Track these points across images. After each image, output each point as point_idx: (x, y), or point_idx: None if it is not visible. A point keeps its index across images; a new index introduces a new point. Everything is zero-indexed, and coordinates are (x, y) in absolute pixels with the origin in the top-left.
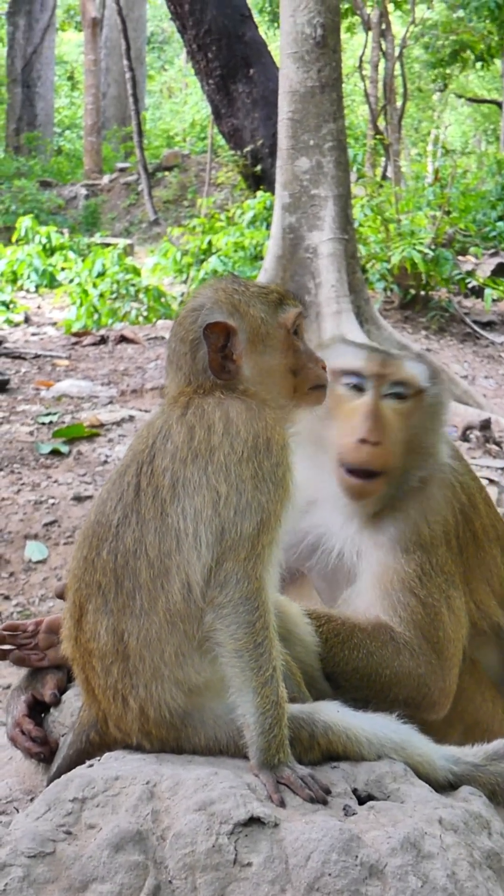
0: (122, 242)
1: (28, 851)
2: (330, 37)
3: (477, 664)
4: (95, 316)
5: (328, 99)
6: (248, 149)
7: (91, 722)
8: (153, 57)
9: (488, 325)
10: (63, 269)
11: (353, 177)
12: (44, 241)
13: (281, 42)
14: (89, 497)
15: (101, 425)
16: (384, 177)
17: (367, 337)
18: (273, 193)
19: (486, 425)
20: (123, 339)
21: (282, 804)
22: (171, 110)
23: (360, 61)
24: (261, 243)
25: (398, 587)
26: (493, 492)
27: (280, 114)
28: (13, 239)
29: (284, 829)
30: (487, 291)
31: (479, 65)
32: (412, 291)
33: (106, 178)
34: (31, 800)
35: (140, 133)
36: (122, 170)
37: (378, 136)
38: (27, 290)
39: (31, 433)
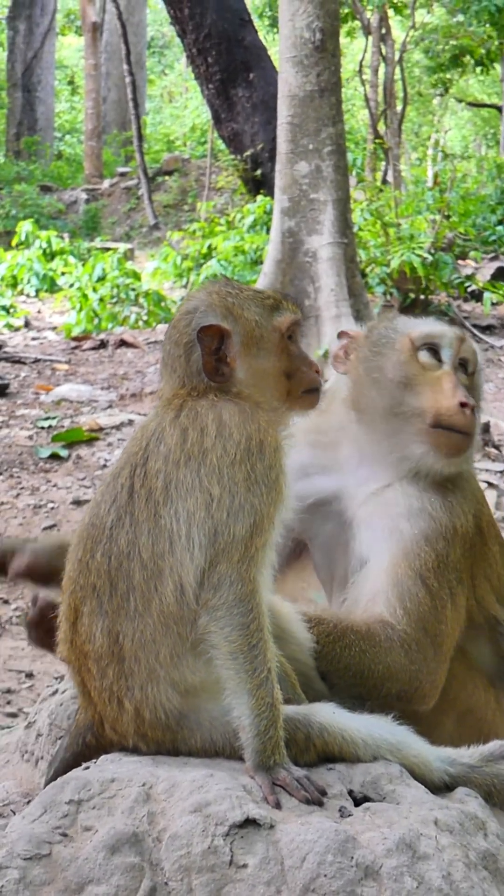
0: (122, 247)
1: (24, 853)
2: (329, 41)
3: (467, 653)
4: (95, 320)
5: (327, 103)
6: (248, 153)
7: (87, 724)
8: (153, 61)
9: (488, 329)
10: (63, 273)
11: (352, 181)
12: (44, 245)
13: (280, 46)
14: (88, 501)
15: (101, 429)
16: (384, 181)
17: None
18: (273, 197)
19: (485, 429)
20: (123, 343)
21: (277, 806)
22: (171, 115)
23: (361, 66)
24: (261, 247)
25: (412, 576)
26: (492, 495)
27: (279, 118)
28: (13, 243)
29: (280, 831)
30: (486, 295)
31: (479, 69)
32: (412, 295)
33: (106, 183)
34: (28, 802)
35: (140, 137)
36: (122, 174)
37: (378, 141)
38: (27, 295)
39: (30, 437)
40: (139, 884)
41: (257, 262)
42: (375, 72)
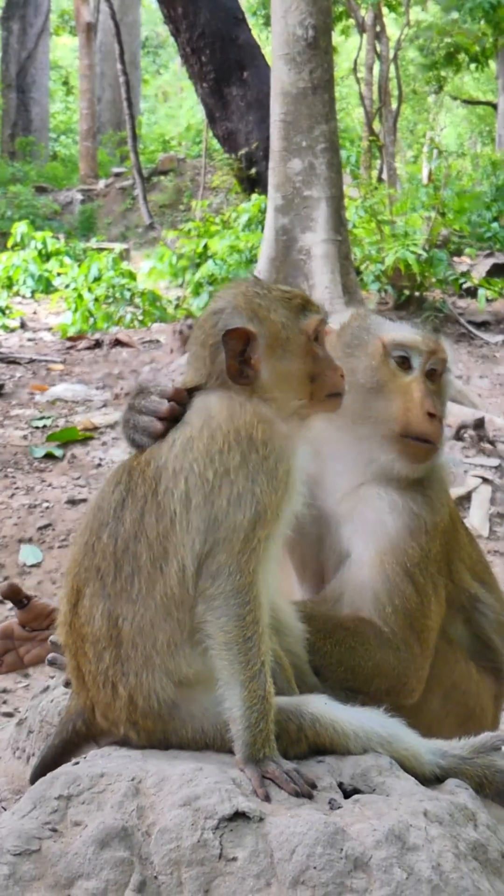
0: (117, 247)
1: (14, 849)
2: (321, 38)
3: (446, 631)
4: (91, 320)
5: (320, 100)
6: (242, 152)
7: (78, 711)
8: (148, 61)
9: (483, 326)
10: (59, 274)
11: (347, 178)
12: (39, 246)
13: (273, 44)
14: (83, 500)
15: (95, 428)
16: (379, 178)
17: None
18: (267, 196)
19: (479, 424)
20: (118, 342)
21: (267, 798)
22: (166, 114)
23: (355, 64)
24: (256, 246)
25: (399, 571)
26: (486, 491)
27: (272, 115)
28: (9, 244)
29: (269, 824)
30: (481, 292)
31: (473, 66)
32: (406, 292)
33: (101, 183)
34: (19, 799)
35: (135, 137)
36: (117, 174)
37: (372, 138)
38: (23, 296)
39: (25, 437)
40: (129, 878)
41: (252, 260)
42: (370, 69)
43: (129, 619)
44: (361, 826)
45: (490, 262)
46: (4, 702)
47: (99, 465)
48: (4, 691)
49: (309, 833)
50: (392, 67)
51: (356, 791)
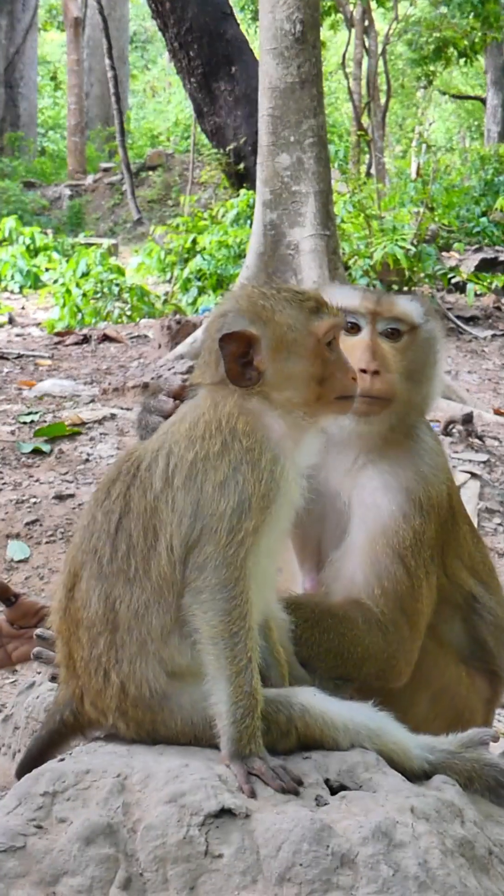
0: (106, 242)
1: None
2: (309, 32)
3: (438, 631)
4: (79, 316)
5: (308, 95)
6: (230, 147)
7: (66, 701)
8: (136, 56)
9: (471, 321)
10: (47, 269)
11: (335, 173)
12: (28, 241)
13: (260, 38)
14: (71, 496)
15: (83, 424)
16: (368, 173)
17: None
18: (255, 191)
19: (468, 419)
20: (106, 337)
21: (252, 795)
22: (154, 109)
23: (344, 58)
24: (244, 241)
25: (390, 554)
26: (475, 486)
27: (260, 110)
28: None
29: (255, 820)
30: (470, 286)
31: (462, 61)
32: (395, 287)
33: (90, 179)
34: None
35: (123, 133)
36: (106, 170)
37: (360, 133)
38: (11, 291)
39: (12, 433)
40: (114, 875)
41: (241, 255)
42: (359, 64)
43: (126, 602)
44: (348, 823)
45: (479, 256)
46: None
47: (87, 460)
48: None
49: (295, 830)
50: (381, 62)
51: (343, 788)
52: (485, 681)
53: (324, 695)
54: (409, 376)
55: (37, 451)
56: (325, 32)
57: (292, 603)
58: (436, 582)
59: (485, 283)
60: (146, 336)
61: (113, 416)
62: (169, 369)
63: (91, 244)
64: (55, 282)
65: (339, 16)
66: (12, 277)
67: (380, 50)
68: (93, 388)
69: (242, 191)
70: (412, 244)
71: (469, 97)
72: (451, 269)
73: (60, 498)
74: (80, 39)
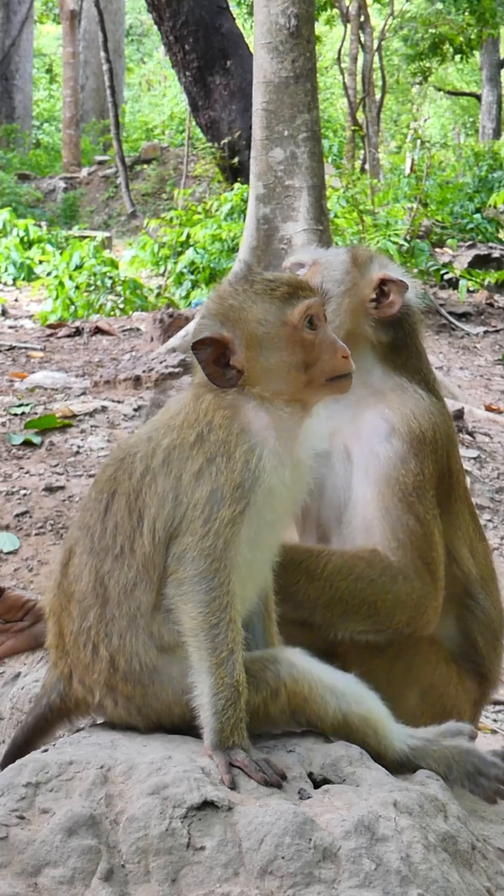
0: (100, 235)
1: None
2: (304, 27)
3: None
4: (72, 308)
5: (302, 89)
6: (225, 141)
7: (53, 685)
8: (132, 49)
9: (464, 317)
10: (41, 261)
11: (329, 168)
12: (21, 234)
13: (255, 32)
14: (61, 488)
15: (74, 416)
16: (362, 169)
17: None
18: (249, 185)
19: (459, 416)
20: (98, 330)
21: (232, 786)
22: (150, 103)
23: (339, 54)
24: (238, 235)
25: (398, 504)
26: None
27: (254, 104)
28: None
29: (238, 813)
30: (462, 283)
31: (458, 57)
32: None
33: (84, 171)
34: None
35: (118, 126)
36: (100, 163)
37: (355, 128)
38: (5, 283)
39: (3, 424)
40: (96, 866)
41: (234, 249)
42: (354, 60)
43: (115, 577)
44: (331, 816)
45: (472, 253)
46: None
47: (77, 452)
48: None
49: (278, 823)
50: (376, 58)
51: (326, 781)
52: (473, 682)
53: (309, 656)
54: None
55: (27, 443)
56: (320, 27)
57: (322, 553)
58: (441, 527)
59: (478, 280)
60: (138, 329)
61: (104, 409)
62: (161, 362)
63: (85, 237)
64: (48, 274)
65: (335, 11)
66: (6, 269)
67: (375, 45)
68: (84, 381)
69: (236, 185)
70: (405, 240)
71: (464, 93)
72: (444, 265)
73: (50, 490)
74: (75, 32)
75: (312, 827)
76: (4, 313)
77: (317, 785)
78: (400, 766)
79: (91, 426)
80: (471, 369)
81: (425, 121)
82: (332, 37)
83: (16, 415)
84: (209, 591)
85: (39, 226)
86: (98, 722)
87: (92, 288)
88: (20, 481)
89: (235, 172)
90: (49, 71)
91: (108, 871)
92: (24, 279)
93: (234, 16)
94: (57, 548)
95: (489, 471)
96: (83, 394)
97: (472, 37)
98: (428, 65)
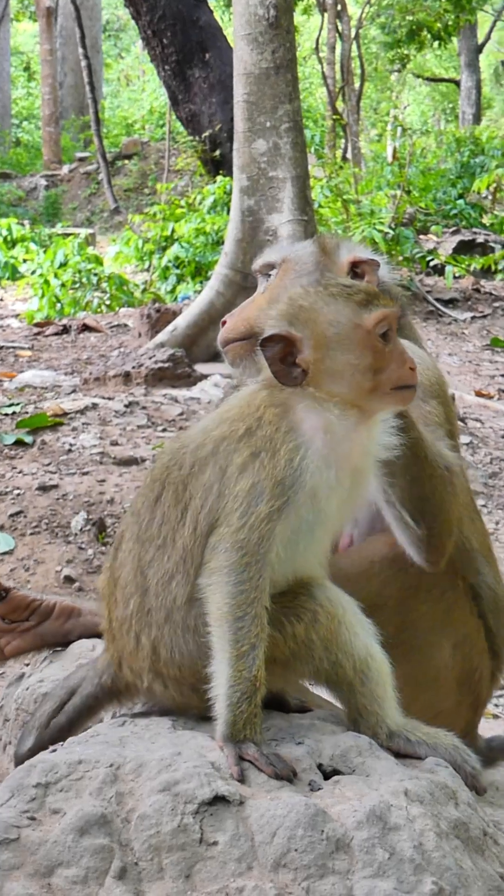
0: (83, 232)
1: None
2: (283, 17)
3: (466, 578)
4: (58, 306)
5: (283, 80)
6: (206, 134)
7: (105, 667)
8: (109, 45)
9: (451, 303)
10: (25, 260)
11: (312, 158)
12: (4, 233)
13: (234, 24)
14: (54, 486)
15: (65, 414)
16: (344, 158)
17: None
18: (232, 177)
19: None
20: (86, 327)
21: (241, 778)
22: (129, 98)
23: (317, 43)
24: (222, 228)
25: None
26: None
27: (235, 96)
28: None
29: (250, 807)
30: (448, 269)
31: (436, 44)
32: None
33: (66, 169)
34: None
35: (98, 122)
36: (81, 159)
37: (336, 117)
38: None
39: None
40: (109, 865)
41: (219, 242)
42: (332, 49)
43: (154, 568)
44: (342, 807)
45: (456, 239)
46: None
47: (70, 450)
48: None
49: (289, 815)
50: (354, 46)
51: (336, 772)
52: (488, 657)
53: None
54: None
55: (19, 443)
56: (297, 17)
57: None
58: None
59: (463, 266)
60: (126, 325)
61: (95, 406)
62: (150, 358)
63: (68, 234)
64: (33, 272)
65: (312, 0)
66: None
67: (353, 34)
68: (74, 379)
69: (219, 177)
70: (390, 227)
71: (443, 80)
72: (430, 251)
73: (44, 489)
74: (52, 29)
75: (324, 818)
76: None
77: (327, 776)
78: (382, 731)
79: (82, 424)
80: (459, 355)
81: (405, 108)
82: (309, 26)
83: (7, 414)
84: (239, 583)
85: (22, 224)
86: (138, 709)
87: (77, 285)
88: (13, 481)
89: (217, 165)
90: (27, 69)
91: (121, 870)
92: (8, 278)
93: (212, 8)
94: (52, 546)
95: (482, 456)
96: (73, 391)
97: (450, 23)
98: (406, 52)
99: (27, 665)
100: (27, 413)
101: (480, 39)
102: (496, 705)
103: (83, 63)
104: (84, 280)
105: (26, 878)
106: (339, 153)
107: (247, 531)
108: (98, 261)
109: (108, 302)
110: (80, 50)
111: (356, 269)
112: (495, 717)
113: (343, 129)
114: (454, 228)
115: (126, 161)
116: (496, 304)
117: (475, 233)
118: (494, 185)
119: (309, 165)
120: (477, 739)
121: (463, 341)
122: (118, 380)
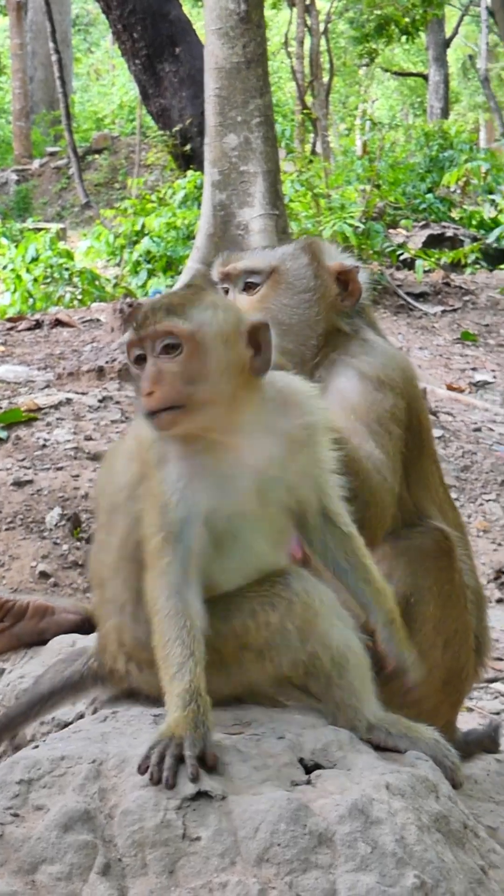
0: (54, 227)
1: None
2: (254, 12)
3: (457, 577)
4: (30, 301)
5: (254, 74)
6: (176, 128)
7: (95, 650)
8: (79, 39)
9: (421, 297)
10: None
11: (282, 153)
12: None
13: (205, 18)
14: (29, 482)
15: (39, 409)
16: (313, 152)
17: None
18: (203, 172)
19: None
20: (59, 322)
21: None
22: (99, 92)
23: (286, 38)
24: (193, 223)
25: (362, 430)
26: None
27: (206, 91)
28: None
29: (232, 802)
30: (419, 263)
31: (404, 38)
32: None
33: (36, 163)
34: None
35: (68, 116)
36: (52, 154)
37: (305, 111)
38: None
39: None
40: (93, 861)
41: (190, 236)
42: (301, 43)
43: (105, 563)
44: (324, 801)
45: (426, 232)
46: None
47: (44, 445)
48: None
49: (272, 810)
50: (323, 41)
51: (317, 766)
52: (474, 655)
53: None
54: (296, 307)
55: None
56: (266, 12)
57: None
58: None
59: (433, 259)
60: (98, 320)
61: (69, 401)
62: (123, 353)
63: (39, 229)
64: (5, 267)
65: None
66: None
67: (322, 28)
68: (47, 374)
69: (189, 172)
70: (360, 222)
71: (411, 74)
72: (400, 245)
73: (19, 484)
74: (22, 23)
75: (307, 813)
76: None
77: (308, 770)
78: (360, 722)
79: (57, 419)
80: (430, 349)
81: (374, 102)
82: (278, 21)
83: None
84: (153, 601)
85: None
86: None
87: (49, 280)
88: None
89: (188, 160)
90: None
91: (105, 866)
92: None
93: (182, 3)
94: (27, 542)
95: (454, 450)
96: (47, 387)
97: (417, 17)
98: (374, 46)
99: (6, 661)
100: (1, 408)
101: (448, 34)
102: (470, 698)
103: (53, 57)
104: (56, 275)
105: (10, 875)
106: (308, 147)
107: (152, 536)
108: (69, 256)
109: (80, 297)
110: (51, 44)
111: (341, 277)
112: (469, 710)
113: (313, 124)
114: (424, 222)
115: (96, 156)
116: (466, 298)
117: (444, 227)
118: (463, 179)
119: (279, 160)
120: (455, 733)
121: (433, 335)
122: (92, 375)
